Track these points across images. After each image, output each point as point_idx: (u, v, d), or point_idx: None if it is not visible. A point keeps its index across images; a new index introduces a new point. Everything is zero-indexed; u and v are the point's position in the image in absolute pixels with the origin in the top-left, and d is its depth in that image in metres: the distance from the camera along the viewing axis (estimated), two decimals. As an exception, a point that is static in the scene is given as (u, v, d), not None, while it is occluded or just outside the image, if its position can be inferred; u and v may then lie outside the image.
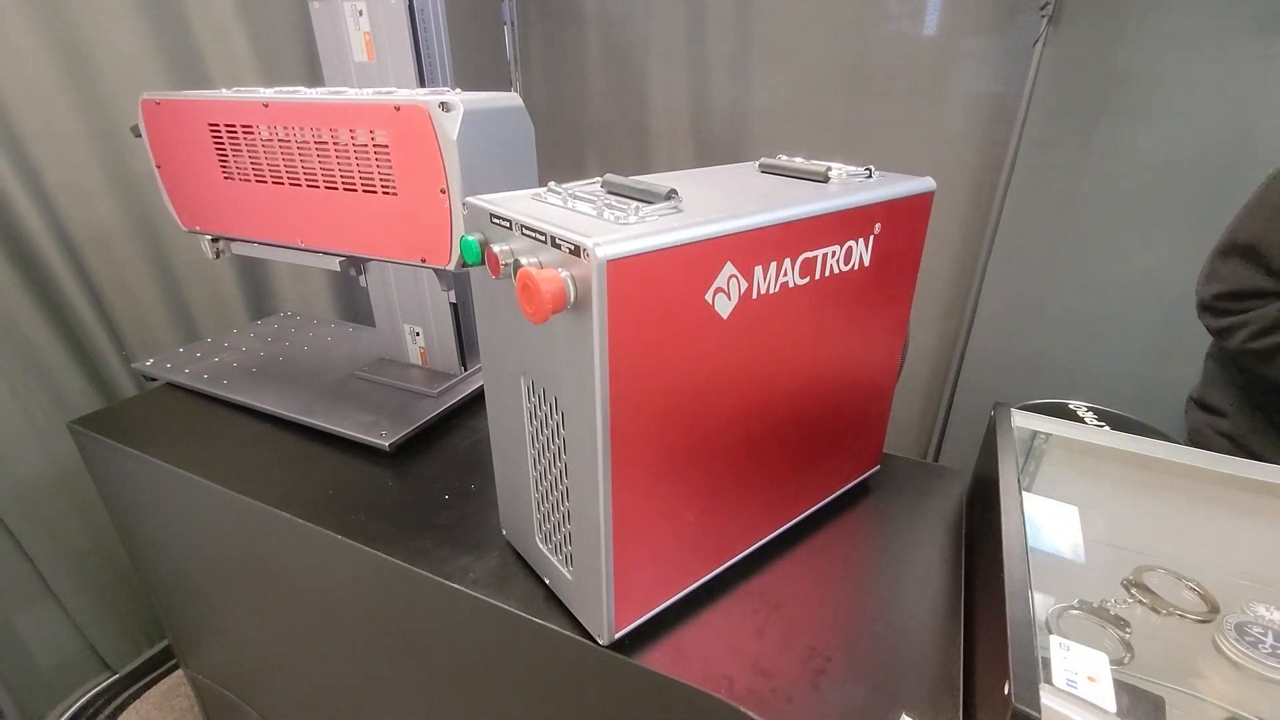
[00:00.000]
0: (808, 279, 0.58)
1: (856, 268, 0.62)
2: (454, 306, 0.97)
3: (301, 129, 0.75)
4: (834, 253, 0.59)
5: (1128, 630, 0.52)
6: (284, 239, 0.83)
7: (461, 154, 0.68)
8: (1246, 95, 1.06)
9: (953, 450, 1.46)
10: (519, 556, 0.68)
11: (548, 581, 0.63)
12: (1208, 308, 0.93)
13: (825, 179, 0.64)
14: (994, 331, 1.32)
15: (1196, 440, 1.00)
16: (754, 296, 0.55)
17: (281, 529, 0.76)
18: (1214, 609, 0.55)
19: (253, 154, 0.80)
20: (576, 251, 0.45)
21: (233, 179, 0.83)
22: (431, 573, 0.65)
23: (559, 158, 1.70)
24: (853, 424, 0.72)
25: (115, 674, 1.38)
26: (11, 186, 1.08)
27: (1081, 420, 0.97)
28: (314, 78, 1.38)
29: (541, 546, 0.63)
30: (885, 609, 0.63)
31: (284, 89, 0.80)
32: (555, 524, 0.59)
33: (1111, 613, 0.54)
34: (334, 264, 0.85)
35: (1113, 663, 0.47)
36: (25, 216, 1.10)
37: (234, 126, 0.79)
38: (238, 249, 0.90)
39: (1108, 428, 0.92)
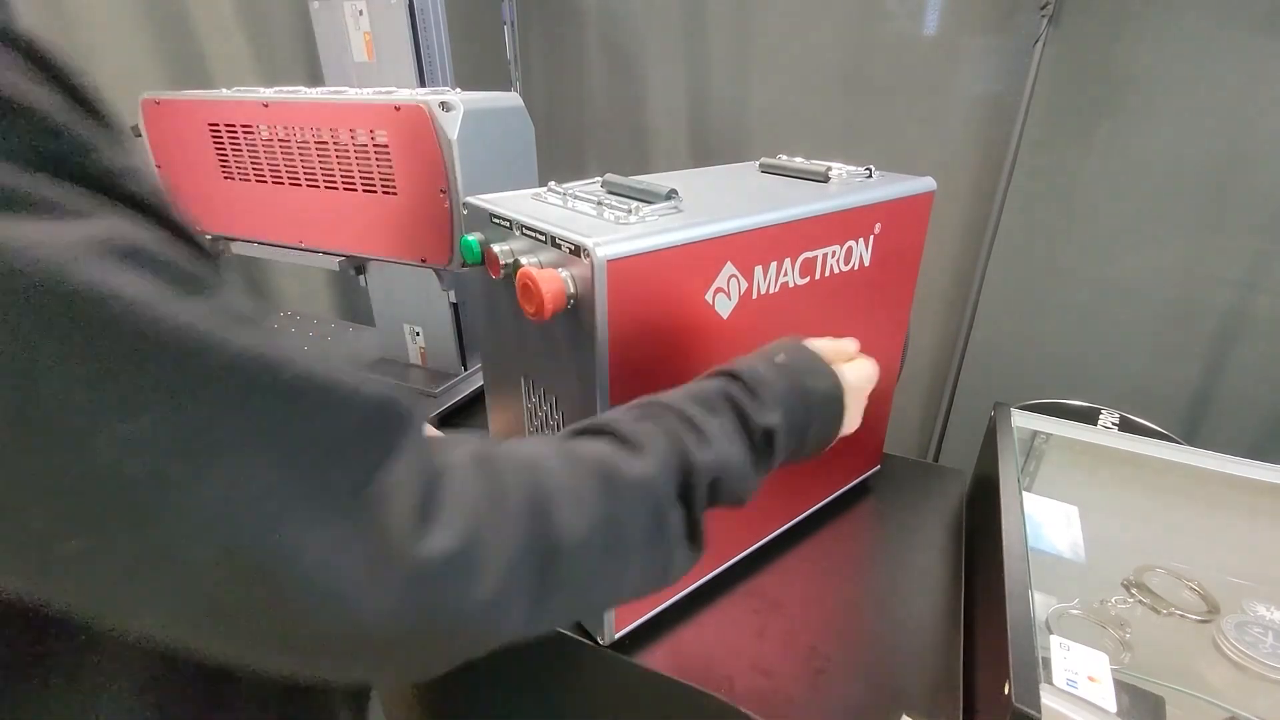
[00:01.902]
0: (808, 279, 0.58)
1: (857, 268, 0.62)
2: (454, 306, 0.97)
3: (302, 129, 0.75)
4: (834, 253, 0.59)
5: (1128, 630, 0.52)
6: (284, 239, 0.83)
7: (461, 154, 0.68)
8: (1247, 95, 1.05)
9: (953, 450, 1.46)
10: (519, 556, 0.68)
11: (548, 581, 0.63)
12: None
13: (825, 179, 0.64)
14: (994, 331, 1.32)
15: None
16: (754, 296, 0.55)
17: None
18: (1214, 609, 0.55)
19: (253, 154, 0.80)
20: (577, 251, 0.45)
21: (233, 179, 0.83)
22: (431, 573, 0.65)
23: (559, 157, 1.70)
24: (853, 424, 0.72)
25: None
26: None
27: (1104, 427, 0.97)
28: (314, 78, 1.38)
29: (541, 546, 0.63)
30: (885, 609, 0.63)
31: (284, 89, 0.80)
32: (555, 524, 0.59)
33: (1111, 613, 0.55)
34: (334, 264, 0.85)
35: (1113, 663, 0.47)
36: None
37: (234, 126, 0.79)
38: (238, 249, 0.90)
39: (1117, 429, 0.92)
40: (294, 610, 0.22)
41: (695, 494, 0.35)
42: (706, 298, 0.51)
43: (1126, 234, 1.19)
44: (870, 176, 0.66)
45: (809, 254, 0.57)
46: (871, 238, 0.62)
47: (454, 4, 1.38)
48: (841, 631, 0.61)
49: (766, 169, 0.72)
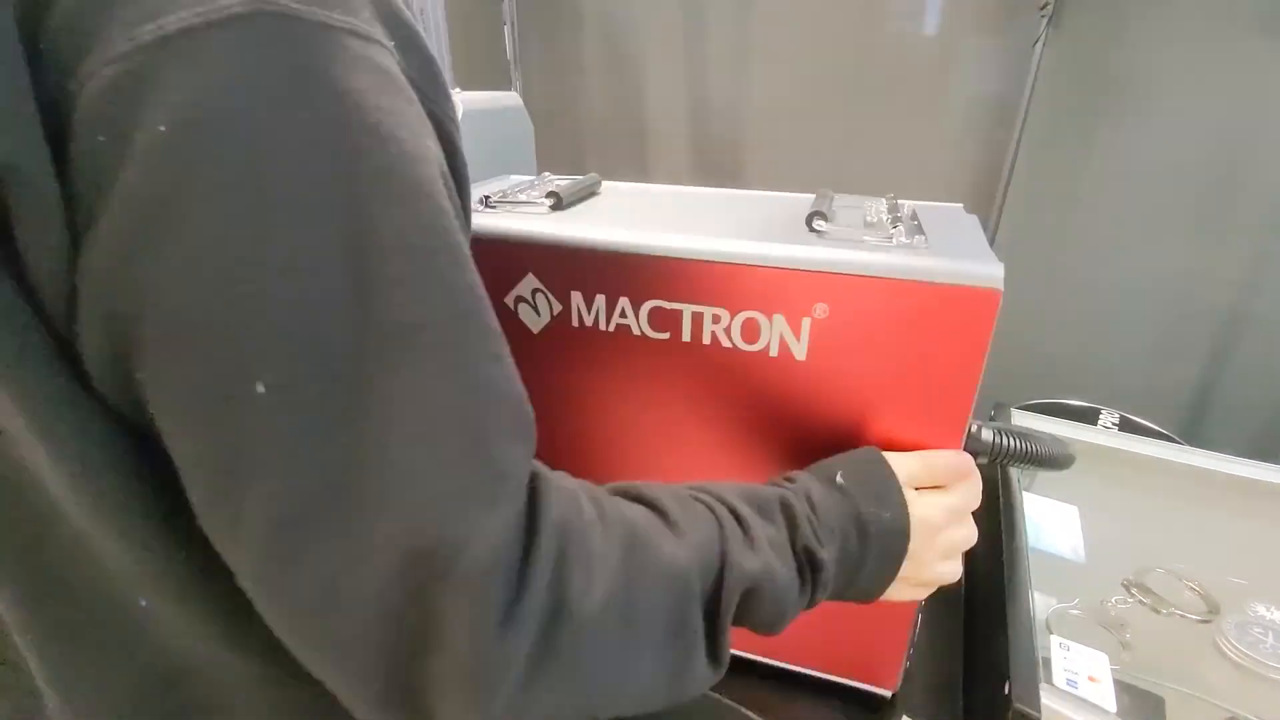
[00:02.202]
0: (667, 334, 0.45)
1: (775, 354, 0.44)
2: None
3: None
4: (716, 317, 0.44)
5: (1128, 630, 0.52)
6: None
7: (461, 153, 0.68)
8: (1247, 95, 1.05)
9: (953, 450, 1.46)
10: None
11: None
12: None
13: (810, 229, 0.45)
14: (994, 331, 1.32)
15: None
16: (575, 324, 0.47)
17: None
18: (1214, 609, 0.55)
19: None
20: None
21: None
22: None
23: (558, 157, 1.70)
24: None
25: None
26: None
27: (1104, 426, 0.97)
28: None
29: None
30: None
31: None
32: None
33: (1111, 613, 0.54)
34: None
35: (1113, 663, 0.47)
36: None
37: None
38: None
39: (1117, 429, 0.92)
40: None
41: (725, 599, 0.31)
42: (506, 302, 0.47)
43: (1126, 234, 1.19)
44: (892, 238, 0.43)
45: (662, 304, 0.44)
46: (806, 321, 0.43)
47: (454, 4, 1.38)
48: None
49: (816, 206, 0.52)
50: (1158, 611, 0.55)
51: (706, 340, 0.45)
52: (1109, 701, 0.44)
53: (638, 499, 0.33)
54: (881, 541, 0.37)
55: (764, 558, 0.33)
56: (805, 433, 0.46)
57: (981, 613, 0.59)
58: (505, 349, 0.27)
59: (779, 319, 0.43)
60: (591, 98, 1.61)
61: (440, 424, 0.24)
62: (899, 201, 0.50)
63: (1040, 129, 1.19)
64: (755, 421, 0.47)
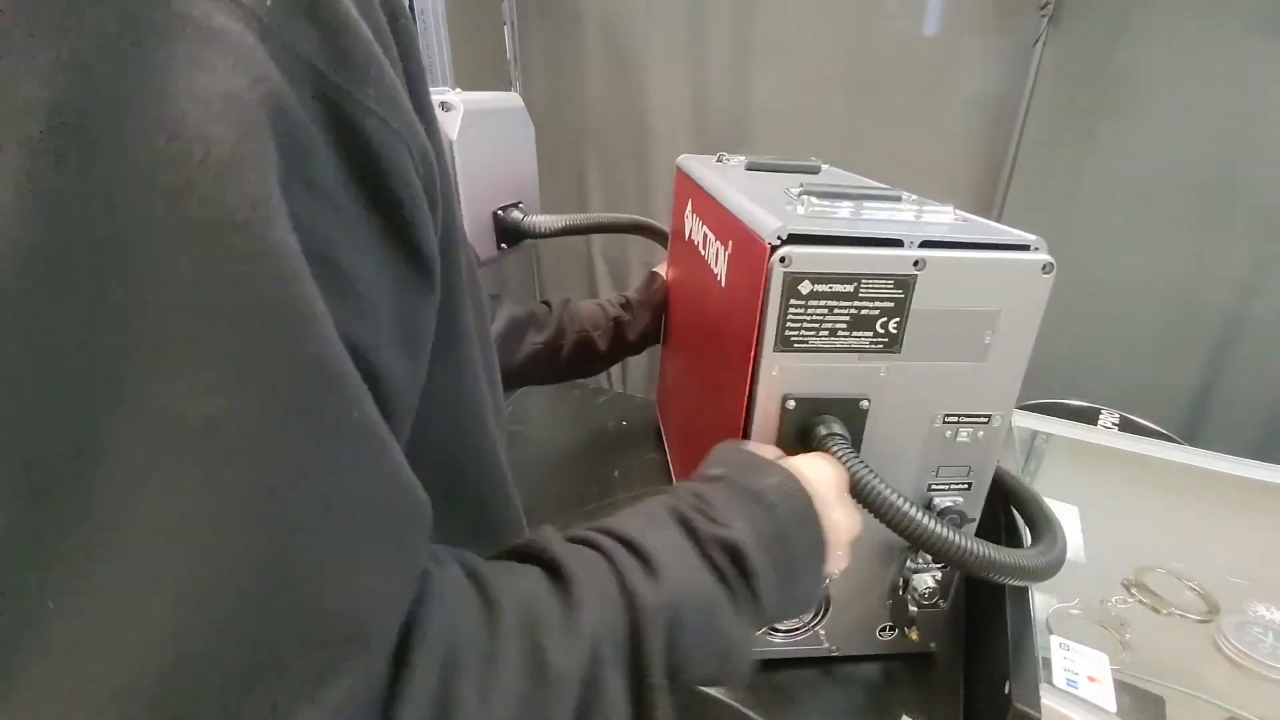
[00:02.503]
0: (705, 254, 0.63)
1: (721, 277, 0.55)
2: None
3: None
4: (709, 238, 0.61)
5: (1128, 630, 0.52)
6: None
7: (461, 154, 0.68)
8: (1247, 96, 1.05)
9: (953, 450, 1.45)
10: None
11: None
12: None
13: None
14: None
15: None
16: (686, 236, 0.71)
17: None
18: (1214, 609, 0.55)
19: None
20: None
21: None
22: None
23: (559, 157, 1.69)
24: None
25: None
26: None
27: (1104, 426, 0.97)
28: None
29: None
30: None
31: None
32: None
33: (1111, 613, 0.54)
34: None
35: (1113, 663, 0.47)
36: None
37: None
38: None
39: (1117, 429, 0.92)
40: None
41: (647, 647, 0.26)
42: (684, 216, 0.74)
43: (1126, 234, 1.19)
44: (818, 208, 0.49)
45: (707, 230, 0.62)
46: (726, 251, 0.53)
47: (454, 4, 1.38)
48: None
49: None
50: (1158, 611, 0.55)
51: (710, 259, 0.58)
52: (1109, 701, 0.44)
53: (528, 554, 0.29)
54: (790, 505, 0.35)
55: (671, 575, 0.28)
56: (719, 354, 0.54)
57: (981, 612, 0.59)
58: (375, 432, 0.20)
59: (721, 248, 0.55)
60: (592, 97, 1.60)
61: (234, 566, 0.16)
62: (960, 213, 0.54)
63: (1040, 129, 1.19)
64: (708, 334, 0.59)
